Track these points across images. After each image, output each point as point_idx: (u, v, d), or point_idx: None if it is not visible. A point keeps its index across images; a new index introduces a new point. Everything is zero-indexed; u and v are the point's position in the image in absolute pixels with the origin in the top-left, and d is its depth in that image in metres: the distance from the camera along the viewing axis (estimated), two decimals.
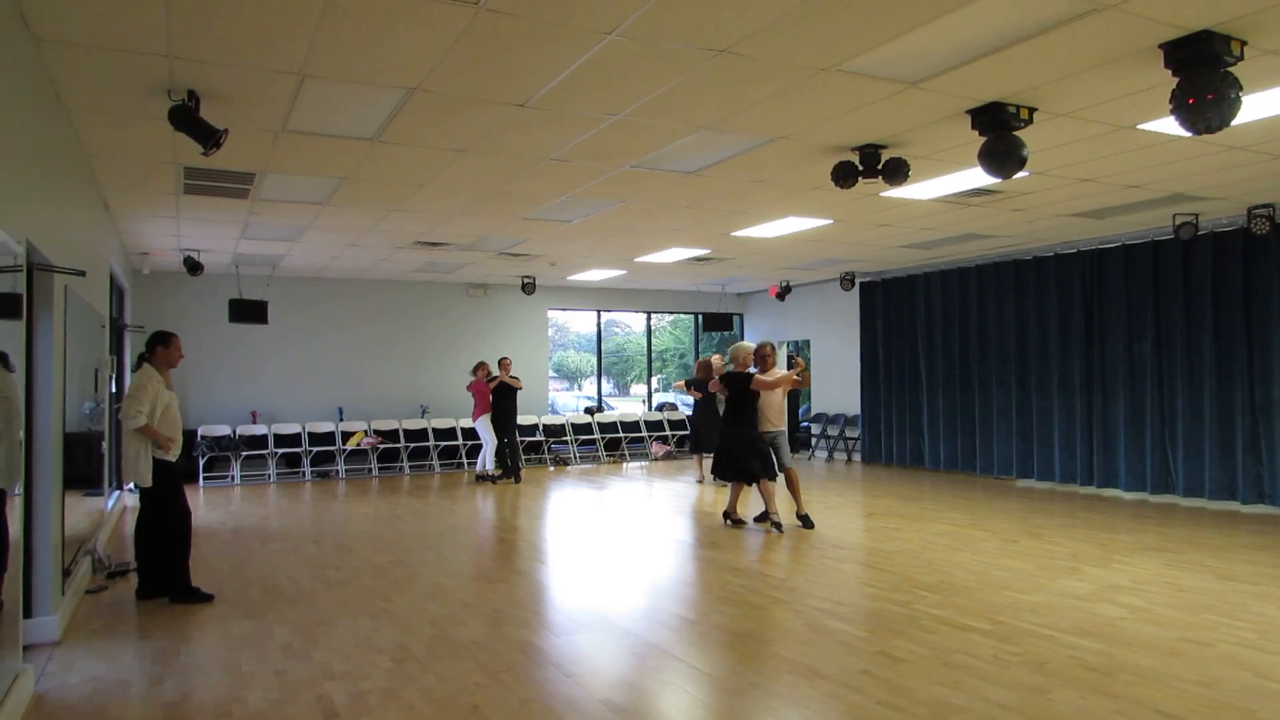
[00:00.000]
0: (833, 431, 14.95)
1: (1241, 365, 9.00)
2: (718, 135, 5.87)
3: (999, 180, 5.67)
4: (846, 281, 13.63)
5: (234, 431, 12.53)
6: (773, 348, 8.49)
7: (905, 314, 13.29)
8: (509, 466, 12.07)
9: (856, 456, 14.43)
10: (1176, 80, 4.33)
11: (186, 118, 4.80)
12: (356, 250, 10.81)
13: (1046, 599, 5.52)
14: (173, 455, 5.75)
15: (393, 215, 8.56)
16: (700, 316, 17.20)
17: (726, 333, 17.09)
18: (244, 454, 12.33)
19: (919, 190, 7.55)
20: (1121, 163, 6.66)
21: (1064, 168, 6.81)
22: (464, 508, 9.88)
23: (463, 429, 13.94)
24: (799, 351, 17.04)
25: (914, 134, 5.86)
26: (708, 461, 11.22)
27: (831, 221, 9.15)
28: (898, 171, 6.11)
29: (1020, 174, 6.68)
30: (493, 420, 12.00)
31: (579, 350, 38.94)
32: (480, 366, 12.16)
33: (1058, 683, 4.06)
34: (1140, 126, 5.73)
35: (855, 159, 6.25)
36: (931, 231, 9.80)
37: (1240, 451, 8.99)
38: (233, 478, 12.23)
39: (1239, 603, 5.40)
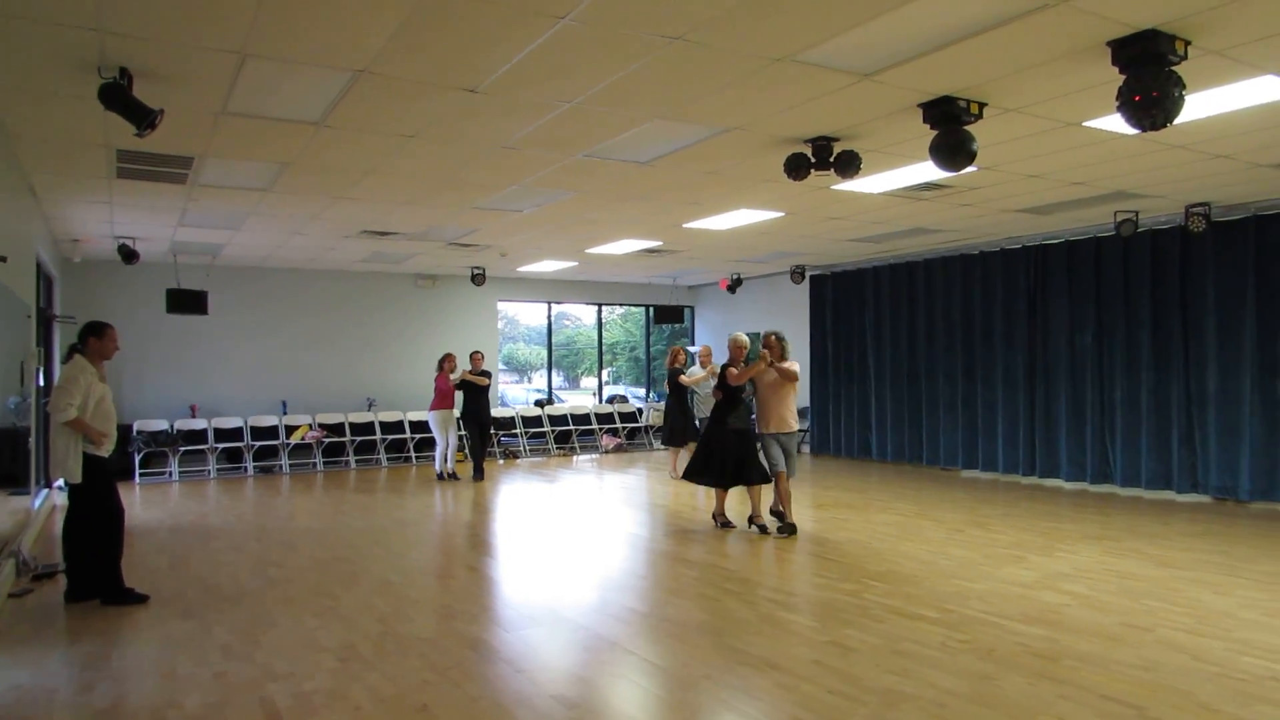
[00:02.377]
0: None
1: (1178, 359, 9.25)
2: (671, 125, 5.82)
3: (949, 174, 5.72)
4: (797, 274, 13.70)
5: (172, 426, 12.15)
6: (778, 337, 7.58)
7: (854, 307, 13.41)
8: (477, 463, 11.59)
9: (805, 448, 14.53)
10: (1123, 78, 4.39)
11: (118, 97, 4.59)
12: (301, 239, 10.55)
13: (992, 587, 5.60)
14: (105, 451, 5.52)
15: (339, 203, 8.37)
16: (651, 309, 17.18)
17: (678, 325, 17.07)
18: (182, 449, 11.98)
19: (870, 184, 7.59)
20: (1066, 159, 6.77)
21: (1011, 163, 6.90)
22: (412, 502, 9.72)
23: (411, 422, 13.72)
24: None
25: (866, 127, 5.88)
26: (682, 457, 10.69)
27: (783, 214, 9.17)
28: (849, 164, 6.12)
29: (969, 169, 6.77)
30: (462, 415, 11.51)
31: (528, 343, 38.67)
32: (447, 359, 11.51)
33: (1005, 669, 4.11)
34: (1086, 124, 5.82)
35: (808, 151, 6.25)
36: (881, 225, 9.88)
37: (1176, 442, 9.24)
38: (170, 474, 11.87)
39: (1176, 588, 5.54)
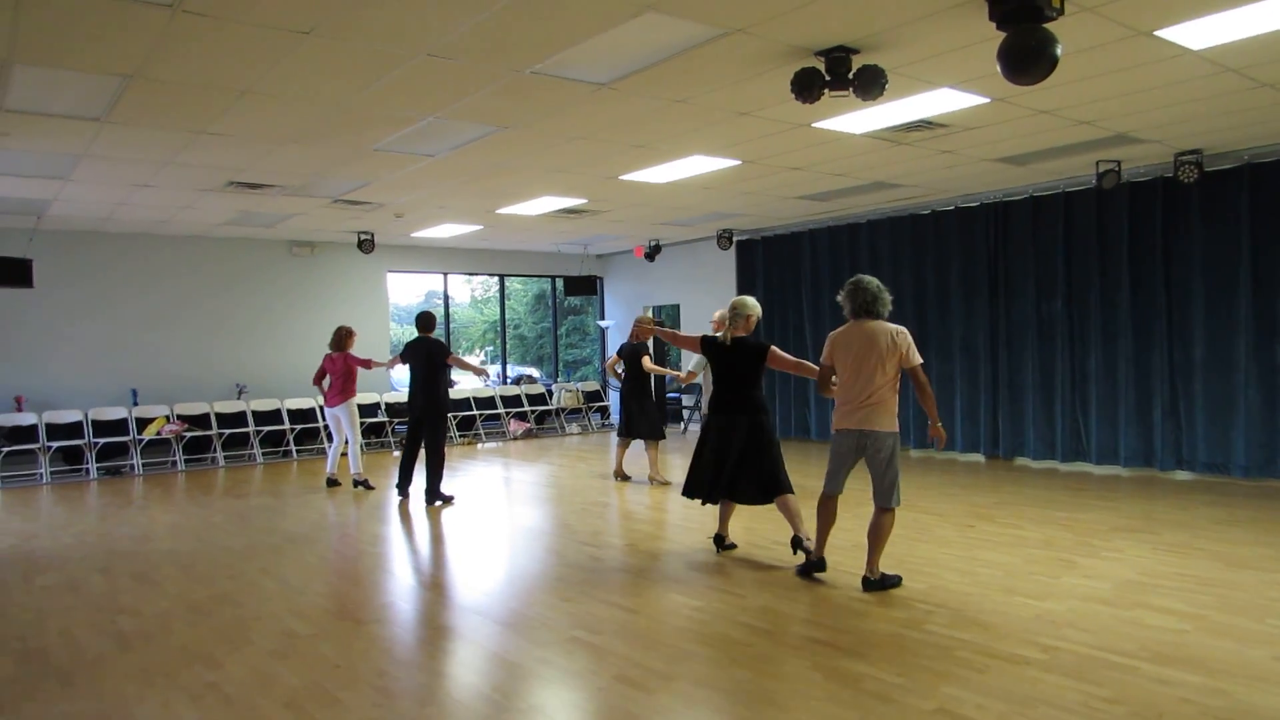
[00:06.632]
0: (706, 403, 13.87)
1: (1160, 324, 8.52)
2: (664, 21, 4.44)
3: (1022, 86, 4.61)
4: (724, 239, 12.54)
5: None
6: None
7: (788, 275, 12.34)
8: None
9: None
10: None
11: None
12: (149, 194, 8.59)
13: (1073, 606, 4.52)
14: None
15: (200, 141, 6.59)
16: (559, 280, 15.68)
17: (589, 297, 15.67)
18: (5, 450, 9.80)
19: (858, 121, 6.46)
20: (1097, 88, 5.77)
21: (1033, 92, 5.83)
22: (298, 509, 7.99)
23: (289, 411, 11.86)
24: (663, 317, 15.89)
25: (899, 32, 4.68)
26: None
27: (739, 163, 7.93)
28: (873, 83, 4.92)
29: (974, 103, 5.73)
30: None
31: (399, 324, 36.43)
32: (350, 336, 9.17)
33: None
34: (1157, 33, 4.79)
35: (821, 66, 5.01)
36: (843, 178, 8.76)
37: (1159, 415, 8.54)
38: None
39: (1277, 598, 4.60)
